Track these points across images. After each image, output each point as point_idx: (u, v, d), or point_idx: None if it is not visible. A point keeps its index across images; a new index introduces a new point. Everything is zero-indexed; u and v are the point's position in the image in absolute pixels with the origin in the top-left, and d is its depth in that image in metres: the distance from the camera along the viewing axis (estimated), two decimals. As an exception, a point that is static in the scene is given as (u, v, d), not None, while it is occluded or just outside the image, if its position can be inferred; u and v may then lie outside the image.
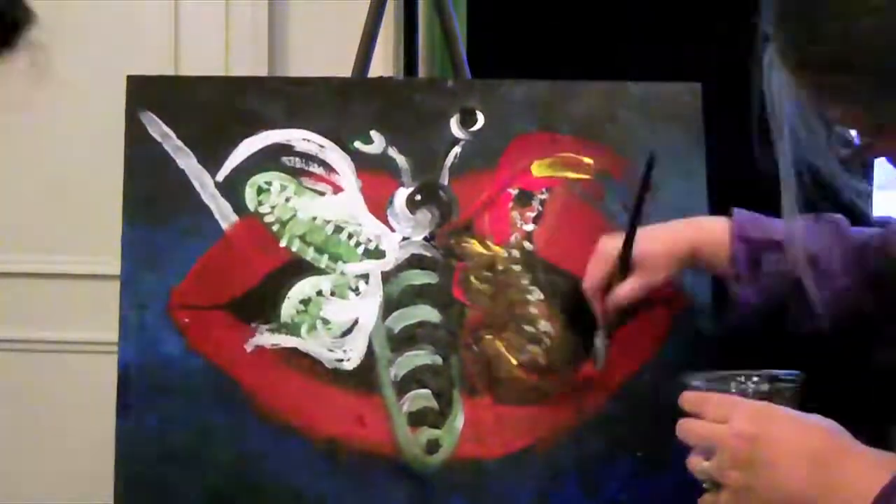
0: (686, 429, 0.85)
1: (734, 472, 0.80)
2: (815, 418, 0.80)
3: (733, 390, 0.86)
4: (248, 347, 1.15)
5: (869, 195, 0.85)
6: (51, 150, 2.07)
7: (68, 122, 2.04)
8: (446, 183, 1.21)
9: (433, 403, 1.16)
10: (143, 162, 1.19)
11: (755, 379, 0.87)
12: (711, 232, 1.13)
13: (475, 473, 1.15)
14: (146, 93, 1.20)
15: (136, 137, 1.19)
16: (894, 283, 1.02)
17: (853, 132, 0.84)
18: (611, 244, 1.13)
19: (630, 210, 1.13)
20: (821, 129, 0.83)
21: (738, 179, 1.14)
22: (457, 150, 1.21)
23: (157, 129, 1.20)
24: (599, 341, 1.16)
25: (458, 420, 1.16)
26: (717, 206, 1.20)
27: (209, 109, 1.20)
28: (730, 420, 0.81)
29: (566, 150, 1.22)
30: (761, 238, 1.09)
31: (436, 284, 1.18)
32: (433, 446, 1.15)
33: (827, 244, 1.08)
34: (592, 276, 1.13)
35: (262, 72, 1.96)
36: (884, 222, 1.10)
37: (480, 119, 1.22)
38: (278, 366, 1.14)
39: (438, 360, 1.17)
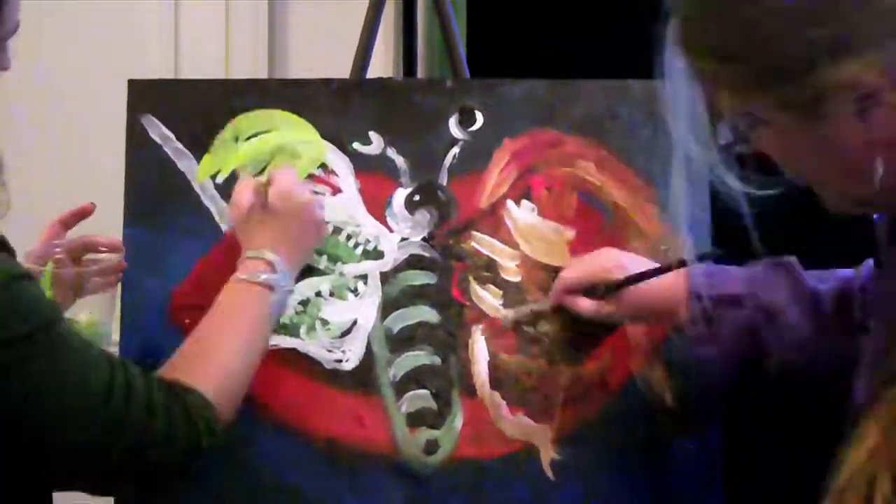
0: None
1: None
2: None
3: None
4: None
5: (744, 197, 0.83)
6: (51, 152, 2.07)
7: (68, 123, 2.04)
8: (445, 183, 1.21)
9: (432, 404, 1.16)
10: (144, 164, 1.19)
11: None
12: (671, 290, 1.12)
13: (474, 474, 1.15)
14: (147, 96, 1.20)
15: (136, 140, 1.20)
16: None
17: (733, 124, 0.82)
18: (613, 260, 1.14)
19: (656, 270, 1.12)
20: (705, 118, 0.82)
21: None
22: (455, 150, 1.21)
23: (158, 131, 1.20)
24: (521, 309, 1.17)
25: (457, 420, 1.16)
26: (718, 204, 1.20)
27: (209, 112, 1.20)
28: None
29: (566, 150, 1.22)
30: (716, 294, 1.09)
31: (434, 285, 1.18)
32: (432, 446, 1.15)
33: (783, 294, 1.08)
34: (577, 277, 1.14)
35: (262, 73, 1.96)
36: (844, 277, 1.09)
37: (479, 119, 1.22)
38: (277, 366, 1.15)
39: (437, 360, 1.17)
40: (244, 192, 1.09)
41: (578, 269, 1.15)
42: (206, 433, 0.91)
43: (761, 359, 1.07)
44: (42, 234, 1.15)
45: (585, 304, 1.13)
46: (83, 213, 1.16)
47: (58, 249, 1.12)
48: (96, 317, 1.12)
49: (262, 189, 1.08)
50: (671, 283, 1.12)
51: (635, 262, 1.13)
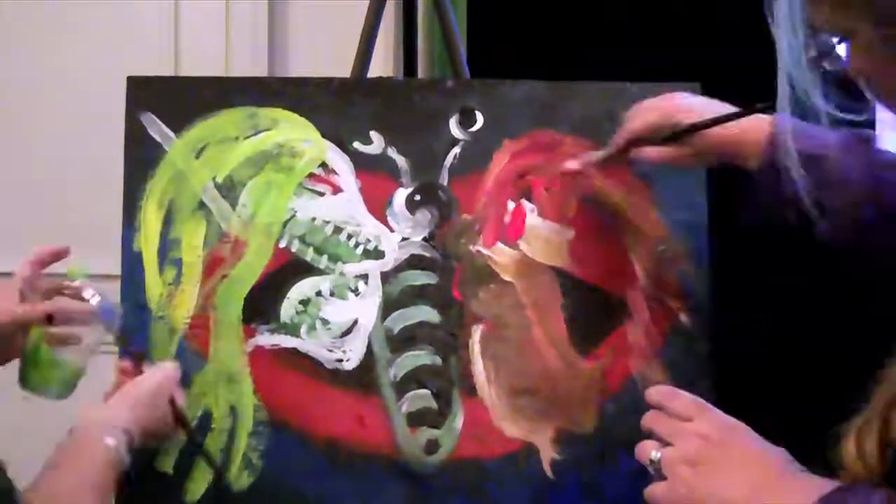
0: (653, 418, 0.85)
1: (682, 467, 0.80)
2: (772, 445, 0.81)
3: None
4: (248, 348, 1.16)
5: (825, 117, 0.83)
6: (51, 150, 2.07)
7: (68, 121, 2.04)
8: (446, 183, 1.21)
9: (432, 404, 1.16)
10: (143, 162, 1.19)
11: None
12: (750, 132, 1.08)
13: (474, 473, 1.15)
14: (146, 94, 1.20)
15: (136, 138, 1.19)
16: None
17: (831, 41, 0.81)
18: (682, 103, 1.11)
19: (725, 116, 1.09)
20: (801, 33, 0.81)
21: (737, 177, 1.13)
22: (456, 150, 1.21)
23: (157, 129, 1.20)
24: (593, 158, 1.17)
25: (458, 420, 1.16)
26: (718, 204, 1.20)
27: (209, 110, 1.20)
28: (696, 419, 0.82)
29: (566, 150, 1.22)
30: (799, 149, 0.99)
31: (435, 285, 1.19)
32: (432, 446, 1.15)
33: (852, 159, 1.03)
34: (643, 123, 1.12)
35: (262, 72, 1.96)
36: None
37: (480, 119, 1.22)
38: (278, 366, 1.15)
39: (438, 360, 1.17)
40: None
41: (644, 114, 1.12)
42: None
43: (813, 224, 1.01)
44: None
45: (650, 153, 1.11)
46: (59, 255, 1.14)
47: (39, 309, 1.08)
48: (80, 364, 1.09)
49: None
50: (749, 127, 1.08)
51: (706, 105, 1.11)
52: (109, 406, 1.03)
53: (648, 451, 0.83)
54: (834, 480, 0.74)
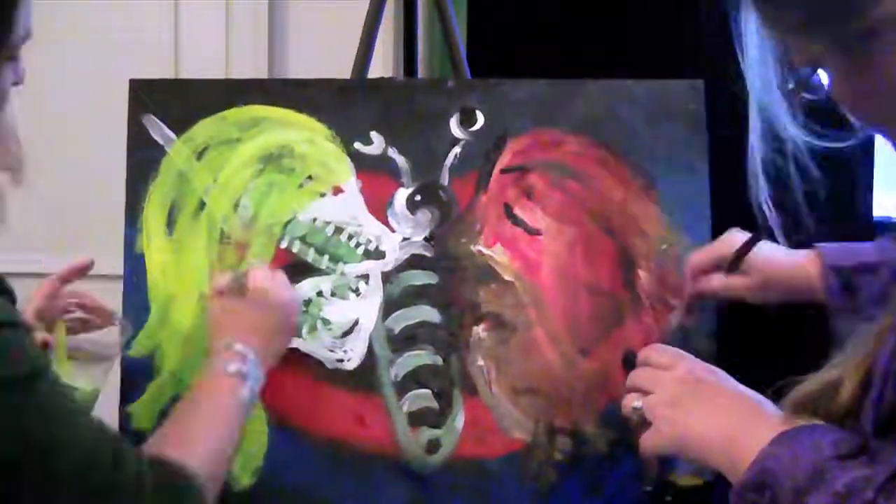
0: (636, 373, 0.90)
1: (662, 408, 0.85)
2: (746, 388, 0.85)
3: None
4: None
5: (813, 153, 0.85)
6: (52, 151, 2.07)
7: (69, 122, 2.04)
8: (446, 183, 1.21)
9: (433, 403, 1.16)
10: (145, 164, 1.19)
11: None
12: (807, 266, 1.13)
13: (475, 473, 1.15)
14: (148, 96, 1.21)
15: (137, 139, 1.20)
16: None
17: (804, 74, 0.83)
18: (736, 238, 1.14)
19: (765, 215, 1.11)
20: (775, 67, 0.83)
21: (738, 176, 1.13)
22: (457, 150, 1.22)
23: (159, 131, 1.20)
24: (675, 319, 1.18)
25: (459, 420, 1.16)
26: (719, 203, 1.20)
27: (210, 112, 1.21)
28: (674, 368, 0.87)
29: (567, 149, 1.22)
30: (857, 263, 1.10)
31: (436, 285, 1.19)
32: (433, 446, 1.15)
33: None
34: (704, 255, 1.15)
35: (263, 73, 1.96)
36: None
37: (480, 119, 1.22)
38: (279, 366, 1.14)
39: (438, 360, 1.17)
40: (220, 282, 1.08)
41: (704, 250, 1.16)
42: None
43: None
44: (41, 288, 1.12)
45: (715, 283, 1.14)
46: (83, 269, 1.14)
47: (68, 314, 1.11)
48: (97, 385, 1.09)
49: (239, 280, 1.07)
50: (804, 259, 1.12)
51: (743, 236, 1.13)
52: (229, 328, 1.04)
53: (631, 401, 0.88)
54: (799, 420, 0.78)
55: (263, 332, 1.04)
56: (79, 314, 1.13)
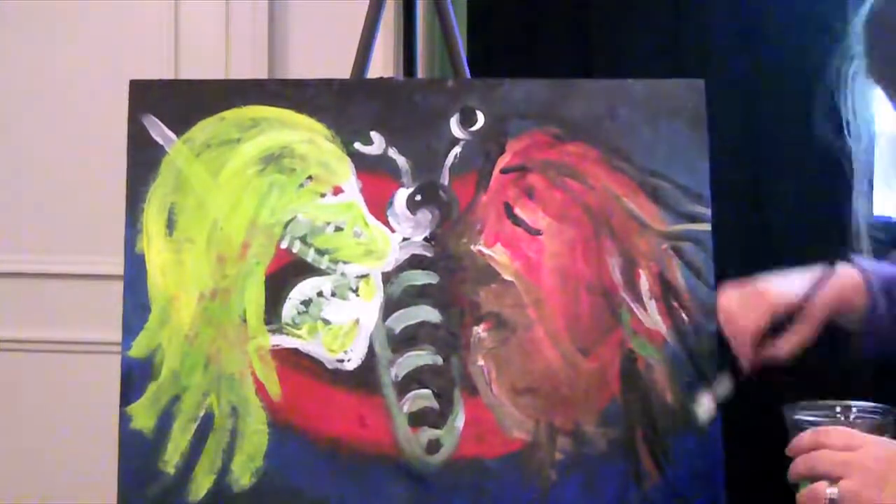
0: (817, 457, 0.87)
1: (869, 491, 0.84)
2: None
3: (843, 420, 0.94)
4: (250, 348, 1.16)
5: None
6: (52, 152, 2.07)
7: (69, 122, 2.04)
8: (446, 183, 1.21)
9: (434, 403, 1.16)
10: (145, 164, 1.19)
11: (854, 410, 0.95)
12: (847, 289, 1.13)
13: (476, 473, 1.15)
14: (148, 96, 1.21)
15: (137, 140, 1.20)
16: None
17: None
18: (775, 295, 1.11)
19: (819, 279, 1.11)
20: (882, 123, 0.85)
21: (739, 176, 1.13)
22: (457, 149, 1.22)
23: (159, 131, 1.20)
24: (723, 388, 1.13)
25: (459, 420, 1.16)
26: (720, 203, 1.20)
27: (210, 112, 1.21)
28: (862, 447, 0.86)
29: (567, 149, 1.22)
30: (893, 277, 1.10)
31: (436, 285, 1.19)
32: (434, 446, 1.15)
33: None
34: (750, 325, 1.11)
35: (262, 73, 1.97)
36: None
37: (480, 119, 1.22)
38: (279, 366, 1.15)
39: (439, 360, 1.17)
40: None
41: (744, 321, 1.11)
42: None
43: None
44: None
45: (784, 347, 1.11)
46: None
47: None
48: None
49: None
50: (845, 285, 1.12)
51: (785, 281, 1.12)
52: None
53: (822, 491, 0.86)
54: None
55: None
56: None
